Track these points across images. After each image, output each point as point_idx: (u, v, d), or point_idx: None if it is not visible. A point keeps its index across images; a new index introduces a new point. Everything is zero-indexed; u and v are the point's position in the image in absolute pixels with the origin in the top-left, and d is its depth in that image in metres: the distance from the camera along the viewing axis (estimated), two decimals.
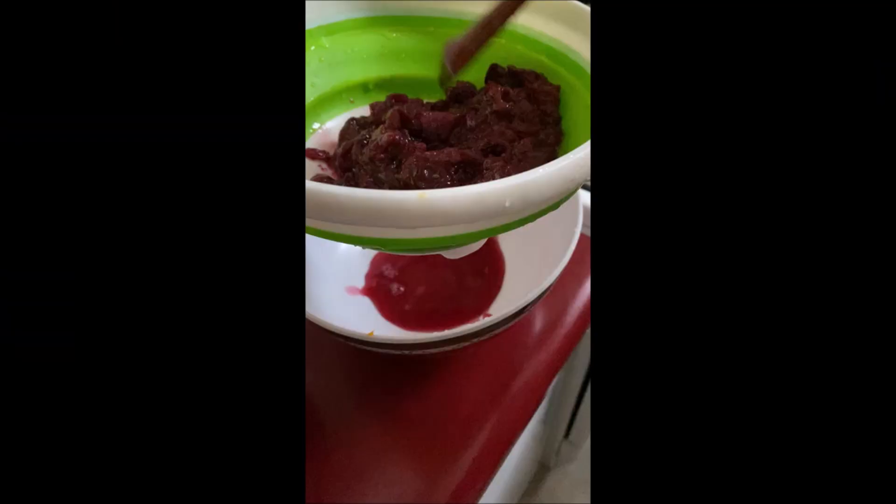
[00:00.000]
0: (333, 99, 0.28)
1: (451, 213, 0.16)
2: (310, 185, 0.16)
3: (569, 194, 0.20)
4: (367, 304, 0.37)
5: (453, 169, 0.23)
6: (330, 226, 0.18)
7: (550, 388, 0.38)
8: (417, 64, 0.29)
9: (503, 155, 0.24)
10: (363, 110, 0.29)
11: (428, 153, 0.23)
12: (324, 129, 0.28)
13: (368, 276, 0.39)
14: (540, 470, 0.84)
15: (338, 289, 0.37)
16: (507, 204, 0.17)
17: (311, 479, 0.31)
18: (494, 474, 0.34)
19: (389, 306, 0.37)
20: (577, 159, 0.17)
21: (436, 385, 0.35)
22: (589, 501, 0.76)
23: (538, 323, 0.38)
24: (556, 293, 0.39)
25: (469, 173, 0.23)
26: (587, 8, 0.25)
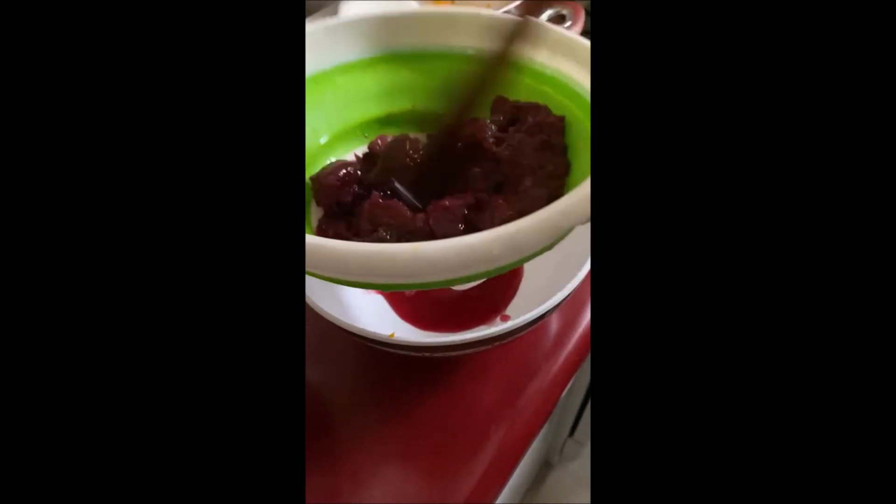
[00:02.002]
0: (349, 134, 0.30)
1: (442, 265, 0.17)
2: (307, 239, 0.17)
3: (560, 237, 0.21)
4: (382, 302, 0.37)
5: (463, 211, 0.24)
6: (329, 274, 0.20)
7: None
8: (426, 98, 0.30)
9: (506, 193, 0.24)
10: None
11: (446, 203, 0.23)
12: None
13: None
14: (543, 467, 0.84)
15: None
16: (495, 253, 0.17)
17: (322, 479, 0.31)
18: (510, 478, 0.34)
19: (404, 306, 0.37)
20: (565, 206, 0.18)
21: (451, 387, 0.34)
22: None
23: (554, 325, 0.37)
24: (573, 295, 0.38)
25: (475, 211, 0.24)
26: (587, 42, 0.27)
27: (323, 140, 0.28)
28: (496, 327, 0.26)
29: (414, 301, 0.37)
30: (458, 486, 0.31)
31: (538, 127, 0.26)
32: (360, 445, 0.32)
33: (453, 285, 0.25)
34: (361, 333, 0.27)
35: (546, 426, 0.69)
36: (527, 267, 0.38)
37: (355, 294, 0.36)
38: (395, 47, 0.29)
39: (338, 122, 0.29)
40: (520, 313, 0.27)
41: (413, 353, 0.28)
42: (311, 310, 0.29)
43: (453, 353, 0.28)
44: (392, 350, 0.28)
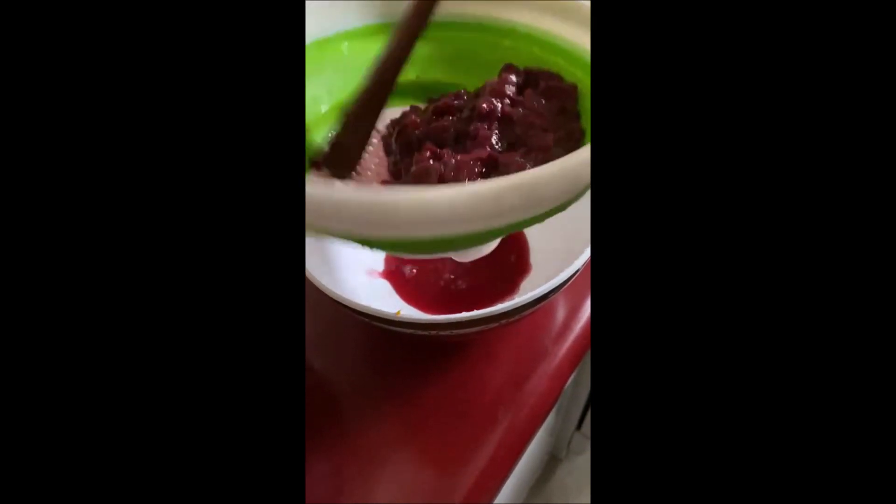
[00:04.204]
0: None
1: (448, 214, 0.16)
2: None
3: (576, 195, 0.20)
4: (387, 287, 0.37)
5: (478, 167, 0.23)
6: (329, 225, 0.18)
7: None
8: (433, 68, 0.29)
9: (521, 149, 0.23)
10: (380, 116, 0.29)
11: (458, 158, 0.23)
12: None
13: (388, 260, 0.38)
14: (551, 461, 0.83)
15: (359, 271, 0.36)
16: (508, 203, 0.16)
17: (329, 463, 0.31)
18: (518, 461, 0.33)
19: (409, 290, 0.37)
20: (583, 158, 0.17)
21: (458, 370, 0.34)
22: None
23: (561, 308, 0.37)
24: (581, 277, 0.38)
25: (490, 169, 0.23)
26: None
27: (324, 109, 0.28)
28: (503, 304, 0.26)
29: (417, 286, 0.37)
30: (466, 469, 0.31)
31: (552, 91, 0.25)
32: (367, 431, 0.32)
33: (464, 247, 0.24)
34: (367, 311, 0.27)
35: (553, 418, 0.68)
36: (533, 251, 0.38)
37: (359, 278, 0.36)
38: (399, 15, 0.28)
39: (339, 90, 0.28)
40: (527, 292, 0.27)
41: (419, 332, 0.28)
42: (315, 297, 0.28)
43: (460, 332, 0.28)
44: (398, 329, 0.28)
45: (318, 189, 0.16)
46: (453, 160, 0.23)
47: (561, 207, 0.20)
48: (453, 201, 0.16)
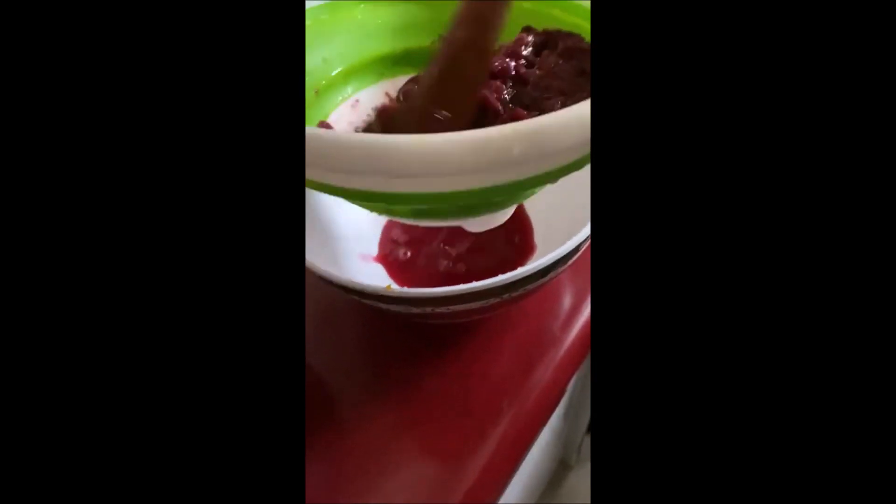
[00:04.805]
0: (363, 70, 0.28)
1: (450, 159, 0.15)
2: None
3: (588, 154, 0.18)
4: (381, 271, 0.35)
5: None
6: (326, 175, 0.17)
7: (571, 382, 0.35)
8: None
9: (535, 113, 0.22)
10: (394, 83, 0.29)
11: None
12: (353, 100, 0.28)
13: (381, 243, 0.36)
14: (560, 468, 0.80)
15: (352, 255, 0.34)
16: (515, 152, 0.15)
17: (327, 461, 0.29)
18: (524, 456, 0.31)
19: (405, 274, 0.35)
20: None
21: (459, 359, 0.32)
22: None
23: (569, 291, 0.35)
24: (587, 260, 0.36)
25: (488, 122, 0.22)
26: None
27: (335, 72, 0.27)
28: (503, 276, 0.24)
29: (416, 270, 0.35)
30: (469, 464, 0.28)
31: (571, 52, 0.24)
32: (367, 427, 0.30)
33: (474, 211, 0.23)
34: (355, 287, 0.24)
35: (561, 422, 0.66)
36: (538, 227, 0.36)
37: (351, 260, 0.34)
38: None
39: (352, 55, 0.27)
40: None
41: (414, 310, 0.26)
42: (309, 293, 0.26)
43: (457, 308, 0.25)
44: (391, 307, 0.26)
45: (315, 132, 0.15)
46: None
47: (576, 165, 0.18)
48: (457, 146, 0.14)
